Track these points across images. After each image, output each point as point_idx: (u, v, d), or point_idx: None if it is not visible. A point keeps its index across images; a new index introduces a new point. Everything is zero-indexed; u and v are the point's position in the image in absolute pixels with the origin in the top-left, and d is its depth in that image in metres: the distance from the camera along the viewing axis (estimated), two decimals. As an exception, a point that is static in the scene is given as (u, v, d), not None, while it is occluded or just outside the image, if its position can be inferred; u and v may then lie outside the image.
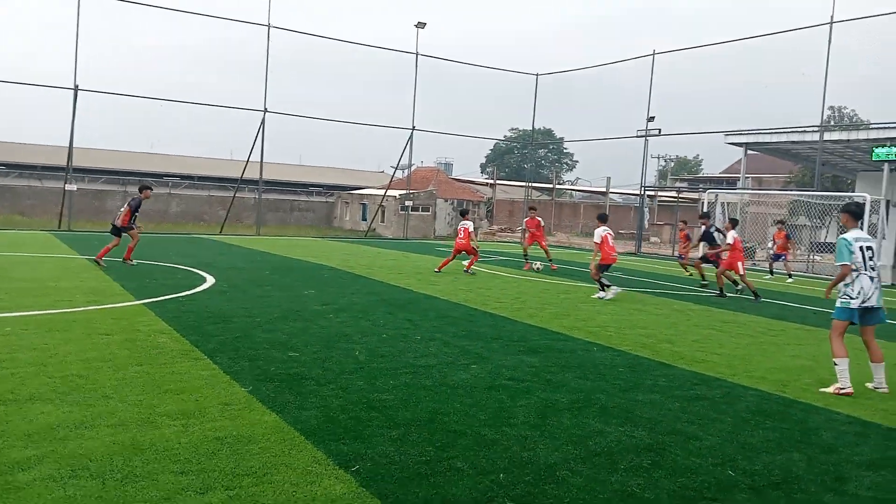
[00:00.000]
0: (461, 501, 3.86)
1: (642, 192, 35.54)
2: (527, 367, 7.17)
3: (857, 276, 7.00)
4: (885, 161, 22.91)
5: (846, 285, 7.04)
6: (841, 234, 7.33)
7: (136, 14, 71.01)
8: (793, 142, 28.06)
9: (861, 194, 24.39)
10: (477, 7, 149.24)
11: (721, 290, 15.24)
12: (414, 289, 13.38)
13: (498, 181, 56.75)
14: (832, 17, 25.29)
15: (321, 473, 4.10)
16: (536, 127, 43.77)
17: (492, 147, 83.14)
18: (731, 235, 15.31)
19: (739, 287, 15.71)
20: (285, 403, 5.42)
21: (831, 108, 48.71)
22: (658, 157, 77.00)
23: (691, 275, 19.11)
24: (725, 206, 27.60)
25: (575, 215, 57.52)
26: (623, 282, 17.32)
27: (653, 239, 44.71)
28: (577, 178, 77.29)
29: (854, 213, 7.42)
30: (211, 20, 30.53)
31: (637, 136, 33.49)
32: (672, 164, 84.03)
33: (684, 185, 61.13)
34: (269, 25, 30.87)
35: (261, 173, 32.11)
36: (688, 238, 20.91)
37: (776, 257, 21.82)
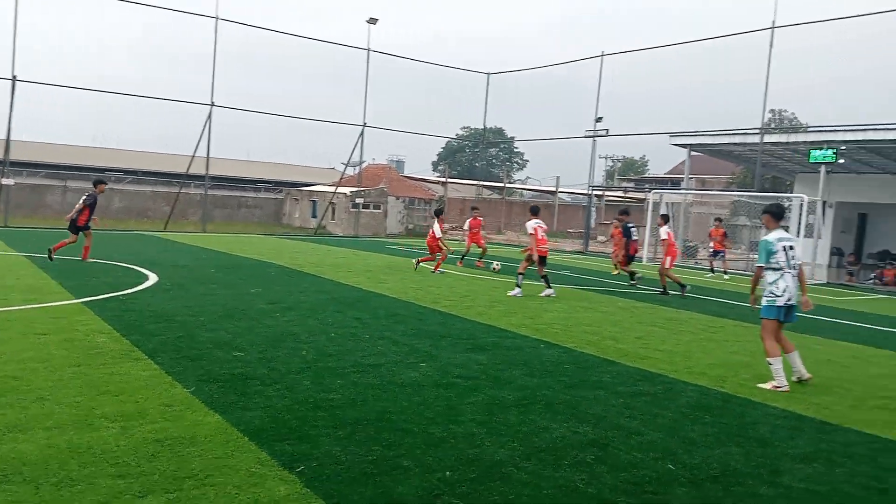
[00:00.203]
0: (407, 500, 3.86)
1: (590, 192, 36.10)
2: (475, 365, 7.21)
3: (782, 275, 7.27)
4: (822, 163, 23.72)
5: (771, 283, 7.30)
6: (764, 235, 7.57)
7: (79, 3, 68.78)
8: (735, 144, 28.85)
9: (799, 195, 25.24)
10: (428, 5, 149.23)
11: (664, 288, 15.56)
12: (364, 287, 13.32)
13: (449, 180, 56.86)
14: (774, 21, 26.12)
15: (265, 475, 4.05)
16: (488, 126, 44.07)
17: (444, 145, 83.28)
18: (664, 231, 15.72)
19: (636, 280, 16.65)
20: (229, 404, 5.34)
21: (772, 111, 50.26)
22: (606, 158, 78.36)
23: (619, 273, 19.28)
24: (669, 206, 28.22)
25: (525, 214, 57.92)
26: (571, 280, 17.56)
27: (600, 238, 45.41)
28: (528, 178, 78.06)
29: (775, 214, 7.65)
30: (157, 11, 29.70)
31: (585, 137, 34.00)
32: (619, 164, 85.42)
33: (631, 185, 62.34)
34: (216, 18, 30.29)
35: (207, 168, 31.48)
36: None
37: (715, 254, 22.50)
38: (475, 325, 9.79)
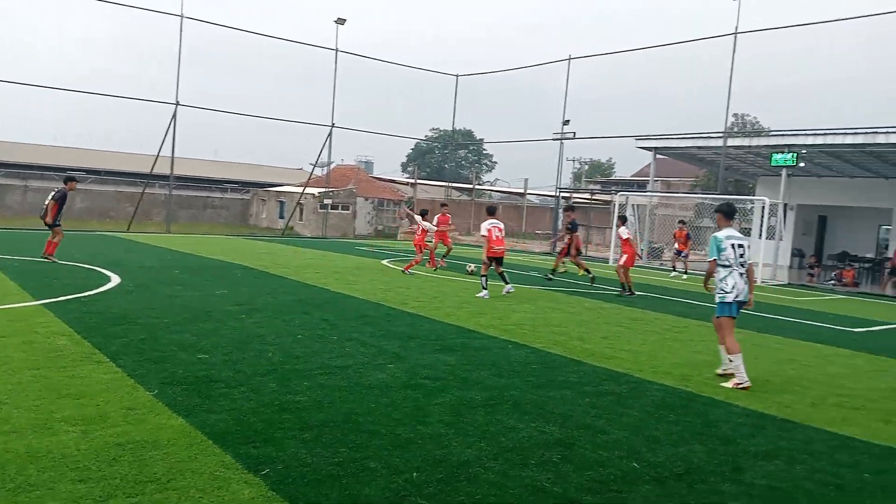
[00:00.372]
0: (373, 502, 3.85)
1: (558, 194, 36.33)
2: (443, 366, 7.21)
3: (730, 272, 7.45)
4: (783, 166, 24.22)
5: (721, 280, 7.50)
6: (715, 232, 7.77)
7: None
8: (698, 147, 29.34)
9: (761, 198, 25.72)
10: (397, 6, 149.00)
11: (629, 288, 15.69)
12: (332, 288, 13.24)
13: (419, 181, 56.81)
14: (737, 27, 26.60)
15: (229, 478, 4.00)
16: (457, 128, 44.12)
17: (413, 146, 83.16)
18: (624, 231, 15.95)
19: (554, 276, 17.75)
20: (193, 407, 5.26)
21: (735, 115, 51.03)
22: (573, 160, 79.08)
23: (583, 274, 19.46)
24: (636, 209, 28.55)
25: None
26: (539, 281, 17.66)
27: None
28: (497, 179, 78.18)
29: (726, 213, 7.87)
30: (121, 8, 29.14)
31: (553, 139, 34.22)
32: (586, 166, 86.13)
33: (597, 187, 62.89)
34: (181, 16, 29.87)
35: (171, 168, 31.00)
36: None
37: (678, 253, 22.98)
38: (444, 325, 9.80)
